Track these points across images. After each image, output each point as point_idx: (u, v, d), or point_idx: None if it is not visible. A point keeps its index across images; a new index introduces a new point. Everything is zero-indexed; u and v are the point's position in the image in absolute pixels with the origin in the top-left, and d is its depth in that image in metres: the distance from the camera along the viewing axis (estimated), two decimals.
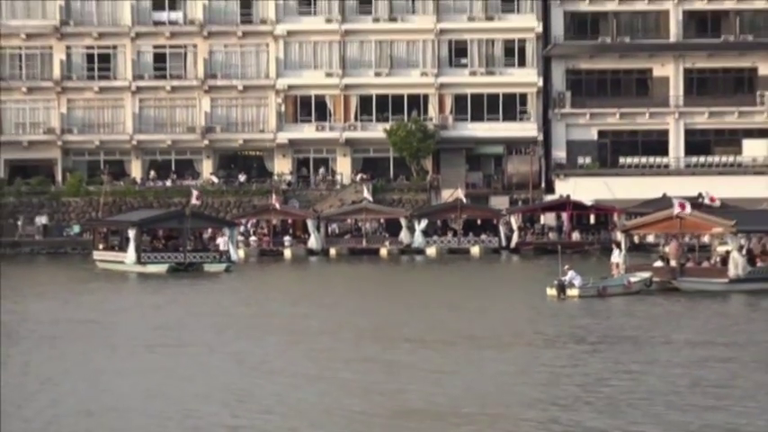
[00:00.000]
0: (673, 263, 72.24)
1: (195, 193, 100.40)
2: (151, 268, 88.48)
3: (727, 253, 71.93)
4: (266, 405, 37.50)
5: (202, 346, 50.30)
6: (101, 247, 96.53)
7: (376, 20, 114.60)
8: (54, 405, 38.21)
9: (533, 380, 42.14)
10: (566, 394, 38.97)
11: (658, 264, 73.03)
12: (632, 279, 70.76)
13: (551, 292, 67.37)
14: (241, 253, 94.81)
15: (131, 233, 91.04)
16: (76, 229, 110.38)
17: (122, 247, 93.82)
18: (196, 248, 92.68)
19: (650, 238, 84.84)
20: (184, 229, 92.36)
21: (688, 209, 73.32)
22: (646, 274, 71.36)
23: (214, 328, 56.26)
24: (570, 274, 68.33)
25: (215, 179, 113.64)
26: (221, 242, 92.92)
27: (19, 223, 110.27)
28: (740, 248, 71.32)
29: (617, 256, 74.48)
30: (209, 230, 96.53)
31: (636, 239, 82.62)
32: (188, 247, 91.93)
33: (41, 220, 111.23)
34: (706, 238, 77.78)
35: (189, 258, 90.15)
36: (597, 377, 42.48)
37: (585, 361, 46.10)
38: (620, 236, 78.05)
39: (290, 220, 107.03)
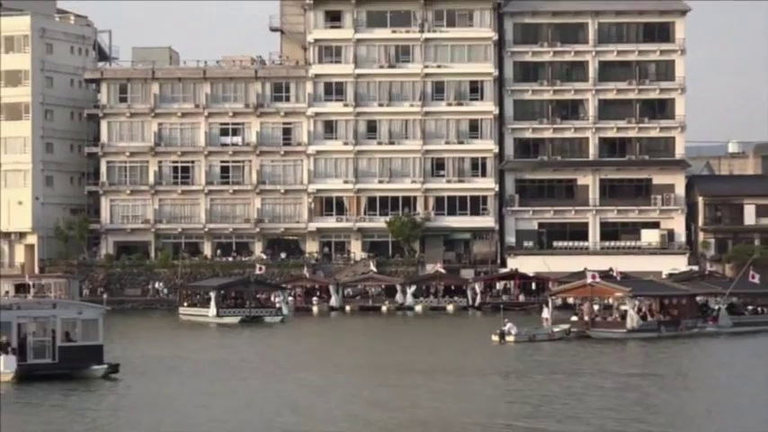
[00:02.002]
0: (586, 318, 75.02)
1: (258, 266, 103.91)
2: (226, 320, 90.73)
3: (626, 311, 74.08)
4: (321, 415, 40.91)
5: (272, 375, 53.82)
6: (185, 304, 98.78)
7: (379, 143, 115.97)
8: (177, 416, 41.15)
9: (486, 399, 45.34)
10: (514, 411, 41.90)
11: (575, 318, 75.78)
12: (556, 329, 73.10)
13: (495, 338, 69.75)
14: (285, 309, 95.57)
15: (213, 294, 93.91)
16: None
17: (202, 304, 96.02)
18: (258, 305, 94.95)
19: (570, 300, 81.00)
20: (250, 291, 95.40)
21: (597, 279, 75.83)
22: (566, 326, 74.13)
23: (278, 362, 59.64)
24: (509, 325, 70.56)
25: (263, 256, 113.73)
26: (277, 301, 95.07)
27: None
28: (635, 308, 73.71)
29: (546, 313, 77.61)
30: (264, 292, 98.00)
31: (560, 301, 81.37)
32: (252, 304, 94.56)
33: (160, 285, 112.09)
34: (610, 300, 76.28)
35: (254, 312, 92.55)
36: (530, 396, 45.82)
37: (516, 386, 49.43)
38: (548, 299, 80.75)
39: (317, 286, 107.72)
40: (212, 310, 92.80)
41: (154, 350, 64.68)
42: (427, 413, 41.32)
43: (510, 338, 69.43)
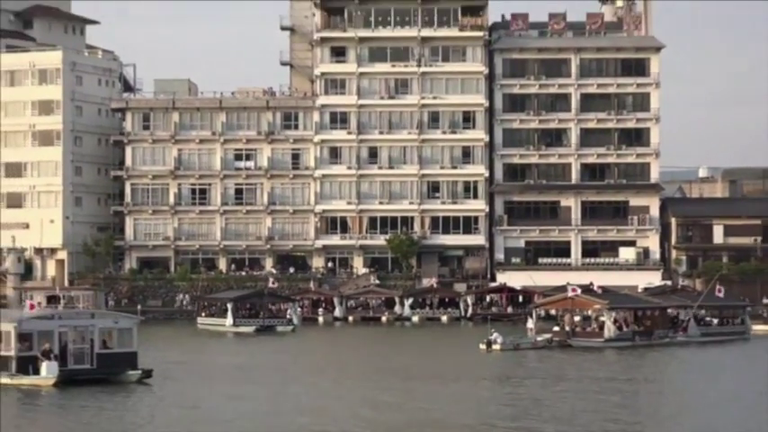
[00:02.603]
0: (567, 328, 74.84)
1: (271, 279, 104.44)
2: (242, 329, 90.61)
3: (603, 322, 73.89)
4: (333, 416, 41.08)
5: (287, 379, 53.82)
6: (203, 314, 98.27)
7: (380, 167, 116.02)
8: (201, 414, 42.15)
9: (478, 402, 45.44)
10: (506, 413, 42.11)
11: (557, 328, 75.38)
12: (539, 338, 73.26)
13: (482, 346, 69.44)
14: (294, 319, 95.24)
15: (230, 305, 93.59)
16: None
17: (219, 315, 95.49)
18: (270, 316, 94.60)
19: (553, 312, 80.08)
20: (263, 302, 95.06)
21: (578, 292, 75.61)
22: (548, 335, 73.97)
23: (291, 368, 60.01)
24: (495, 335, 70.36)
25: (274, 271, 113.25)
26: (288, 312, 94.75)
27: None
28: (612, 319, 73.69)
29: (530, 323, 77.65)
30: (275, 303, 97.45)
31: (543, 313, 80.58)
32: (265, 314, 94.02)
33: (185, 297, 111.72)
34: (590, 312, 75.73)
35: (267, 322, 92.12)
36: (518, 399, 46.33)
37: (505, 390, 49.66)
38: (532, 310, 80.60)
39: (322, 298, 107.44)
40: (229, 320, 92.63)
41: (178, 356, 64.27)
42: (426, 415, 41.62)
43: (496, 347, 69.32)
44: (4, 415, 41.53)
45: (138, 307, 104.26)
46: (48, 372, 48.66)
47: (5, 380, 49.21)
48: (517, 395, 48.03)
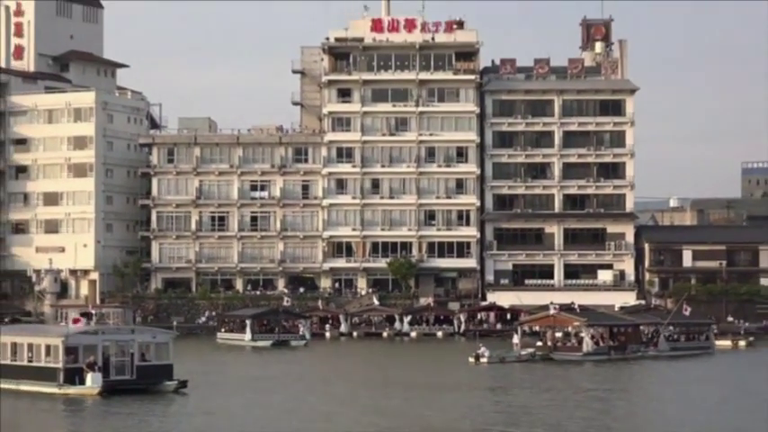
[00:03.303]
0: (549, 343, 75.54)
1: (286, 298, 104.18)
2: (260, 343, 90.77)
3: (582, 338, 74.66)
4: (345, 422, 41.97)
5: (303, 389, 54.66)
6: (222, 330, 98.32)
7: (381, 197, 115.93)
8: (233, 421, 41.83)
9: (470, 409, 45.79)
10: (497, 419, 42.66)
11: (540, 343, 76.13)
12: (523, 352, 73.45)
13: (471, 360, 69.91)
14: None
15: (248, 322, 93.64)
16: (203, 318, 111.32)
17: (238, 330, 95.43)
18: (284, 331, 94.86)
19: (536, 328, 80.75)
20: (278, 319, 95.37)
21: (559, 310, 76.93)
22: (531, 350, 74.35)
23: (306, 379, 60.88)
24: (482, 349, 71.14)
25: (285, 290, 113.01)
26: (301, 328, 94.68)
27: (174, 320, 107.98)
28: (590, 335, 74.34)
29: (516, 339, 77.97)
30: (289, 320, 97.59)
31: (528, 329, 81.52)
32: (280, 330, 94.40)
33: (209, 314, 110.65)
34: (570, 328, 76.09)
35: (282, 337, 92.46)
36: (508, 407, 46.88)
37: (495, 398, 50.56)
38: (518, 327, 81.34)
39: (329, 315, 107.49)
40: (248, 335, 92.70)
41: (203, 368, 64.19)
42: (426, 421, 42.13)
43: (484, 360, 69.68)
44: (55, 420, 42.32)
45: (174, 323, 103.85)
46: (93, 382, 48.87)
47: (53, 389, 49.58)
48: (508, 404, 48.37)
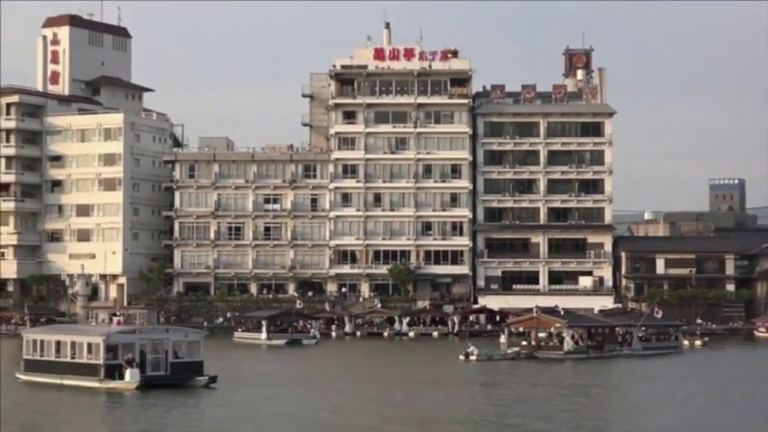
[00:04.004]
0: (533, 342, 75.71)
1: (298, 302, 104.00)
2: (275, 342, 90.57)
3: (563, 338, 74.48)
4: (355, 413, 42.55)
5: (315, 383, 54.86)
6: (239, 330, 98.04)
7: (383, 210, 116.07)
8: (255, 412, 42.45)
9: (467, 401, 46.55)
10: (490, 411, 43.16)
11: (524, 343, 76.59)
12: (509, 351, 73.59)
13: (461, 357, 70.14)
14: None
15: (264, 322, 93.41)
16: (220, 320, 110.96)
17: (254, 330, 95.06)
18: (296, 331, 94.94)
19: (521, 329, 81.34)
20: (291, 320, 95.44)
21: (540, 313, 76.89)
22: (517, 348, 74.65)
23: (319, 374, 61.37)
24: (471, 348, 71.35)
25: (295, 294, 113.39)
26: (312, 330, 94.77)
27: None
28: (570, 335, 74.38)
29: (503, 338, 77.91)
30: (300, 321, 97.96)
31: (515, 330, 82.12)
32: (293, 330, 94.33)
33: (229, 315, 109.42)
34: (552, 329, 76.09)
35: (295, 337, 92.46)
36: (501, 398, 47.63)
37: (488, 393, 51.19)
38: (505, 328, 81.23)
39: (335, 316, 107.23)
40: (264, 335, 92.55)
41: (226, 365, 63.17)
42: (430, 412, 42.68)
43: (473, 358, 69.57)
44: (99, 412, 42.76)
45: (205, 324, 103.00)
46: (131, 377, 49.20)
47: (95, 383, 49.69)
48: (500, 397, 48.76)
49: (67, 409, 44.05)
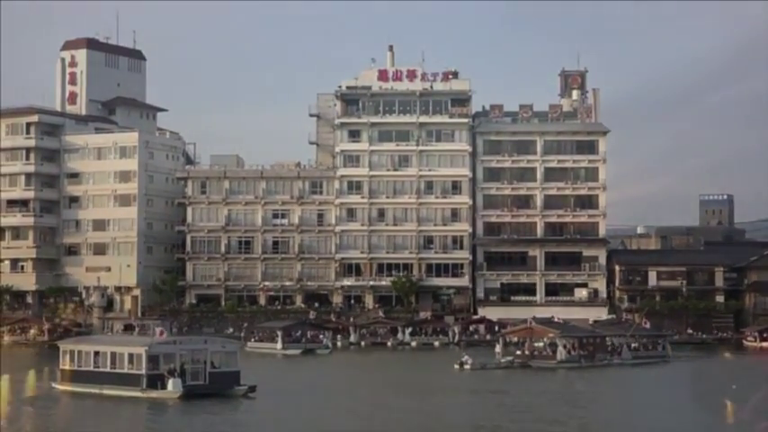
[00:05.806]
0: (527, 352, 75.26)
1: (312, 312, 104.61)
2: (290, 351, 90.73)
3: (556, 347, 74.19)
4: (372, 418, 42.86)
5: (329, 389, 56.19)
6: (253, 339, 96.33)
7: (386, 224, 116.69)
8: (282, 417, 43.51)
9: (470, 406, 47.53)
10: (495, 416, 43.79)
11: (519, 352, 75.48)
12: (503, 360, 73.37)
13: (456, 366, 70.44)
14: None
15: (279, 332, 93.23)
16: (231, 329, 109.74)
17: (268, 340, 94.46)
18: (309, 341, 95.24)
19: (515, 339, 79.90)
20: (304, 330, 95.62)
21: (534, 323, 77.33)
22: (510, 357, 74.71)
23: (331, 381, 62.05)
24: (465, 357, 71.72)
25: (303, 306, 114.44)
26: (324, 340, 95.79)
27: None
28: (563, 345, 73.96)
29: (498, 348, 77.88)
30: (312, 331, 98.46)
31: (510, 339, 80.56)
32: (306, 340, 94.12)
33: (243, 326, 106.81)
34: (545, 339, 75.68)
35: (308, 346, 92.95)
36: (502, 404, 48.50)
37: (490, 399, 51.80)
38: (500, 337, 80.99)
39: (340, 327, 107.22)
40: (279, 344, 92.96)
41: (250, 374, 58.41)
42: (435, 416, 43.62)
43: (467, 366, 69.96)
44: (141, 421, 43.42)
45: (242, 334, 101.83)
46: (174, 387, 49.20)
47: (137, 393, 49.53)
48: (501, 403, 49.19)
49: (115, 417, 44.42)
